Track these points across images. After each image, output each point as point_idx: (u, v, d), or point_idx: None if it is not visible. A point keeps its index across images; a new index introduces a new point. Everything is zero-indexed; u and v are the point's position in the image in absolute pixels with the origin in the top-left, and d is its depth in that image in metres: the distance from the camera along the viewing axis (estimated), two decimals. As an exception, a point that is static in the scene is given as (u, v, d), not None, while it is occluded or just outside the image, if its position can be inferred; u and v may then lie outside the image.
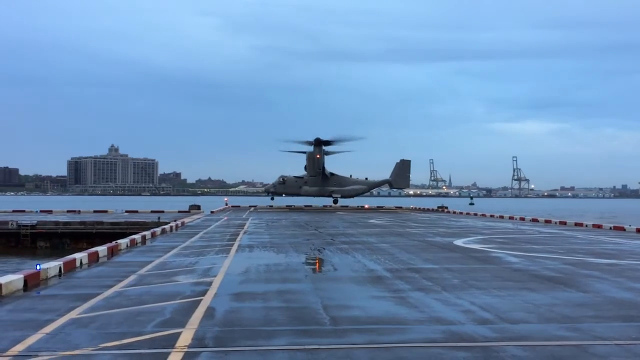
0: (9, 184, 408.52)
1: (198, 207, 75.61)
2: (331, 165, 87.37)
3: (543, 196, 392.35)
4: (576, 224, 47.93)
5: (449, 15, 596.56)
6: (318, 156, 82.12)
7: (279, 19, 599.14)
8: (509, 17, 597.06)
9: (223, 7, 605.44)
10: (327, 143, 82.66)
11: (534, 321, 12.44)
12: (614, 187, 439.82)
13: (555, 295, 15.44)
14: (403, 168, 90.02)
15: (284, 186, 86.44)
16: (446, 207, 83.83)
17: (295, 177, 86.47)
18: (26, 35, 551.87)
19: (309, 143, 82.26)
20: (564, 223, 49.47)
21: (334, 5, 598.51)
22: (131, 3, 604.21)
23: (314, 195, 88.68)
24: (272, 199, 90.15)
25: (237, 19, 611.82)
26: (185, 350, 10.16)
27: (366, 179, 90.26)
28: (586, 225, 46.72)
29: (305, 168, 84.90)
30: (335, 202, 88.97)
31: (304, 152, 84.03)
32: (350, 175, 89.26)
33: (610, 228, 43.53)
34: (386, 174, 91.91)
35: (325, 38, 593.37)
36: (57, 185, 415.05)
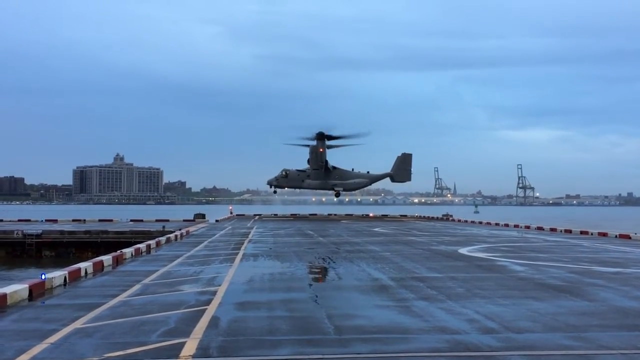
0: (15, 193, 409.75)
1: (203, 216, 75.81)
2: (333, 159, 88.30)
3: (548, 204, 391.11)
4: (582, 232, 47.76)
5: (452, 23, 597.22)
6: (321, 150, 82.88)
7: (282, 27, 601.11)
8: (512, 24, 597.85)
9: (226, 16, 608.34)
10: (330, 137, 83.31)
11: (539, 330, 12.39)
12: (619, 194, 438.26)
13: (561, 304, 15.39)
14: (404, 161, 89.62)
15: (286, 180, 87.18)
16: (451, 216, 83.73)
17: (297, 170, 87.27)
18: (31, 45, 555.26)
19: (312, 137, 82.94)
20: (569, 231, 49.31)
21: (337, 13, 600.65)
22: (134, 12, 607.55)
23: (316, 189, 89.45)
24: (275, 192, 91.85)
25: (240, 27, 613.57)
26: (190, 359, 10.18)
27: (368, 172, 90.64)
28: (591, 234, 46.54)
29: (309, 161, 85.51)
30: (338, 195, 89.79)
31: (307, 146, 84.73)
32: (352, 169, 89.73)
33: (616, 236, 43.37)
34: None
35: (328, 46, 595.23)
36: (62, 194, 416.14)
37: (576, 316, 13.82)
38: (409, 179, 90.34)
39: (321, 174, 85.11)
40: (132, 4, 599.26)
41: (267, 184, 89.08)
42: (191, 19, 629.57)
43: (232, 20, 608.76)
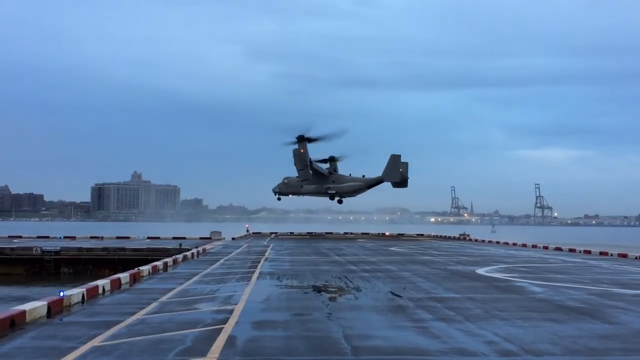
0: (34, 209, 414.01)
1: (219, 234, 75.94)
2: (342, 169, 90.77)
3: (567, 224, 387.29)
4: (601, 253, 47.19)
5: (469, 42, 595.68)
6: (302, 150, 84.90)
7: (299, 46, 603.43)
8: (529, 43, 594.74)
9: (244, 36, 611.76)
10: (310, 139, 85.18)
11: (558, 353, 12.24)
12: (639, 215, 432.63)
13: (581, 326, 15.20)
14: (394, 163, 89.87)
15: (287, 186, 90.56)
16: (468, 235, 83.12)
17: (297, 177, 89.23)
18: (50, 63, 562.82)
19: (293, 142, 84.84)
20: (589, 252, 48.74)
21: (354, 33, 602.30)
22: (154, 32, 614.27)
23: (313, 193, 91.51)
24: (279, 199, 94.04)
25: (258, 46, 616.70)
26: (207, 379, 10.15)
27: (363, 176, 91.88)
28: (611, 255, 45.95)
29: (295, 164, 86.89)
30: (340, 201, 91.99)
31: (325, 161, 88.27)
32: (350, 174, 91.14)
33: (636, 257, 42.78)
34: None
35: (345, 65, 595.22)
36: (80, 211, 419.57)
37: (597, 339, 13.64)
38: (399, 179, 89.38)
39: (308, 174, 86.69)
40: (152, 24, 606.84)
41: (272, 191, 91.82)
42: (209, 38, 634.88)
43: (249, 39, 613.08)
